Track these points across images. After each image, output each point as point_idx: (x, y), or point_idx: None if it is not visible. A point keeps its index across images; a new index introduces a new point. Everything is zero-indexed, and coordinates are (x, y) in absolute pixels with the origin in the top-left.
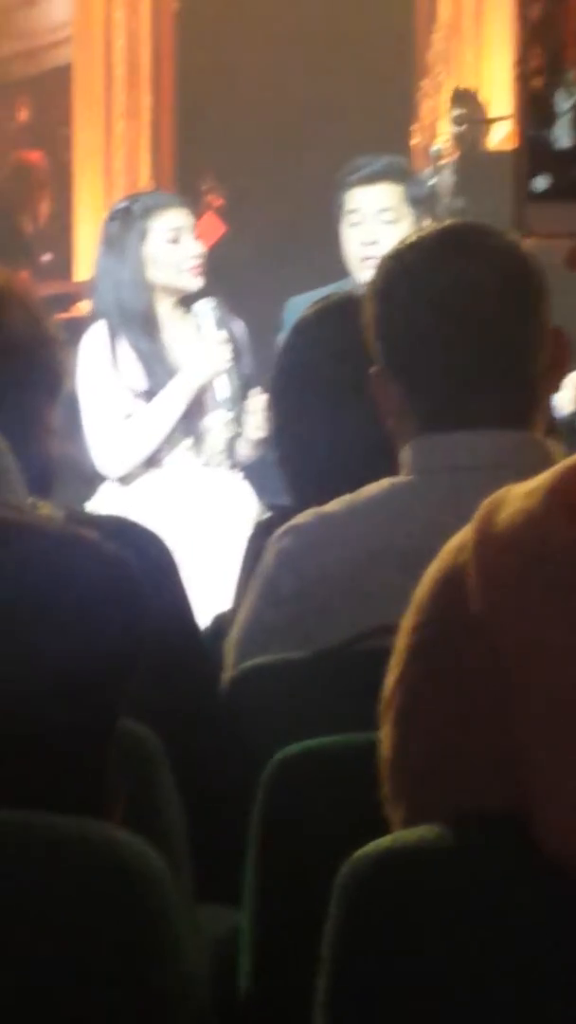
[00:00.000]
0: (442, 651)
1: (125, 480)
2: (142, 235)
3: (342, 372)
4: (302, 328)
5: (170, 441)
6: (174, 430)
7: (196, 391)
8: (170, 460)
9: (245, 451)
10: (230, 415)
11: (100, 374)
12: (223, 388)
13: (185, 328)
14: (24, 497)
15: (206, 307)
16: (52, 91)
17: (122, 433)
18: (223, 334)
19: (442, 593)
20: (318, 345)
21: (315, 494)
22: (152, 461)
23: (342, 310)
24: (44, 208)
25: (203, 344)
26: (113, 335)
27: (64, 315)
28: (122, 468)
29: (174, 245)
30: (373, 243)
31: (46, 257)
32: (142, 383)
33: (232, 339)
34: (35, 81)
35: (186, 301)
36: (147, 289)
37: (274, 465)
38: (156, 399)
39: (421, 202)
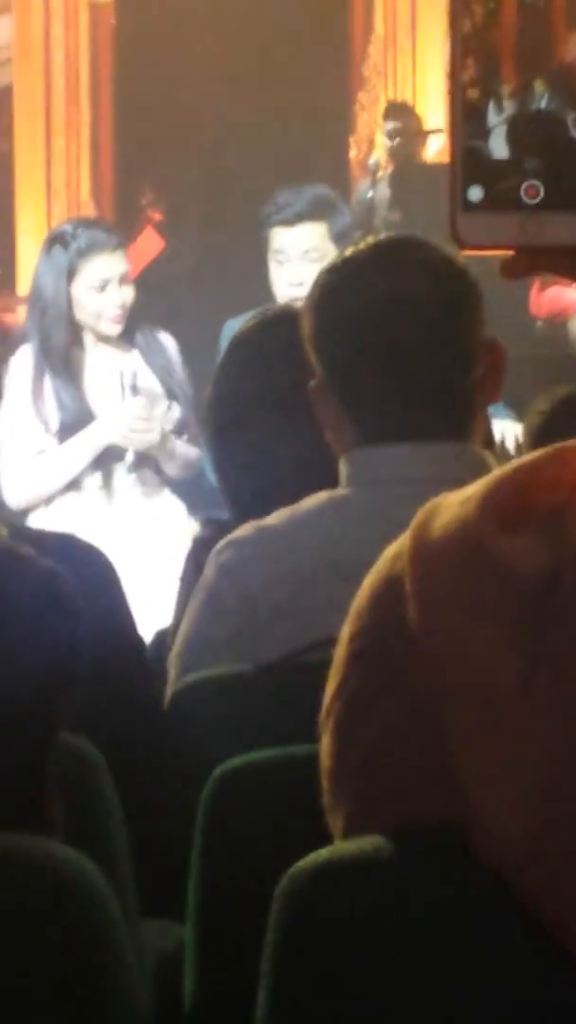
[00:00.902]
0: (379, 660)
1: (49, 502)
2: (71, 274)
3: (279, 385)
4: (240, 341)
5: (76, 486)
6: (81, 475)
7: (103, 447)
8: (89, 484)
9: (173, 472)
10: (132, 476)
11: (18, 403)
12: (130, 453)
13: (104, 369)
14: None
15: (126, 369)
16: None
17: (27, 470)
18: (139, 401)
19: (379, 602)
20: (255, 358)
21: (254, 507)
22: (72, 484)
23: (278, 323)
24: None
25: (119, 408)
26: (37, 363)
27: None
28: (19, 503)
29: (99, 293)
30: (299, 284)
31: None
32: (57, 419)
33: (163, 359)
34: None
35: (109, 340)
36: (70, 324)
37: (212, 479)
38: (63, 447)
39: (344, 236)
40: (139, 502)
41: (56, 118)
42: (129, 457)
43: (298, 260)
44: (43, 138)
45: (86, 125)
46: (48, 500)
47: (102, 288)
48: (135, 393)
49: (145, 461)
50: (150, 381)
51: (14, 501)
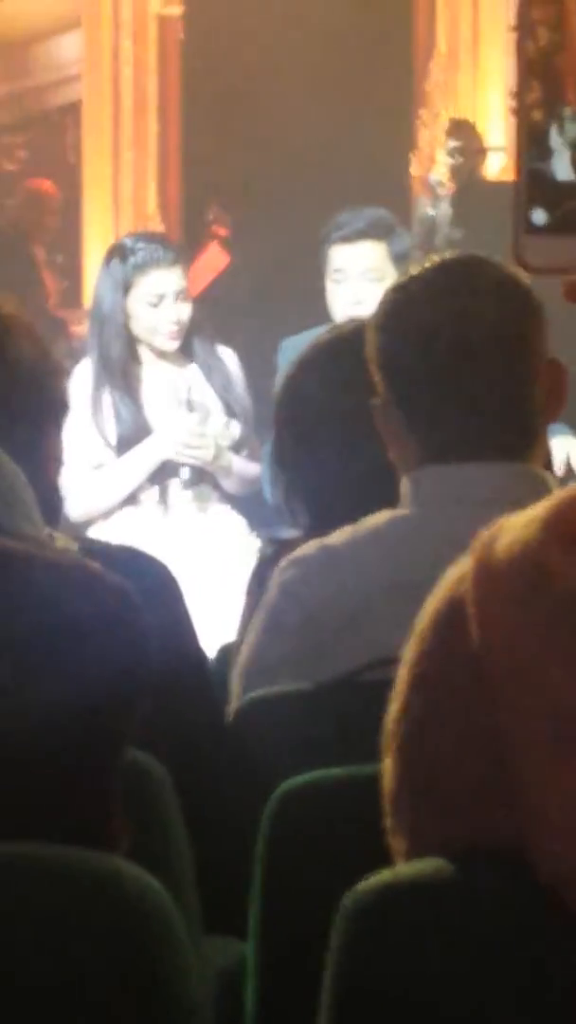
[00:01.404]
0: (442, 682)
1: (109, 516)
2: (127, 288)
3: (348, 402)
4: (310, 357)
5: (133, 500)
6: (139, 489)
7: (160, 462)
8: (147, 498)
9: (231, 488)
10: (188, 492)
11: (78, 416)
12: (185, 470)
13: (162, 383)
14: (41, 526)
15: (183, 385)
16: (65, 124)
17: (86, 484)
18: (195, 417)
19: (442, 623)
20: (325, 375)
21: (321, 523)
22: (131, 499)
23: (350, 340)
24: (54, 236)
25: (177, 422)
26: (96, 376)
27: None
28: (80, 516)
29: (154, 308)
30: (358, 303)
31: (57, 284)
32: (115, 433)
33: (223, 377)
34: (47, 115)
35: (167, 355)
36: (127, 339)
37: (276, 495)
38: (121, 462)
39: (403, 257)
40: (196, 517)
41: (124, 132)
42: (185, 473)
43: (357, 279)
44: (111, 152)
45: (153, 139)
46: (106, 514)
47: (157, 303)
48: (190, 408)
49: (202, 476)
50: (207, 397)
51: (73, 514)
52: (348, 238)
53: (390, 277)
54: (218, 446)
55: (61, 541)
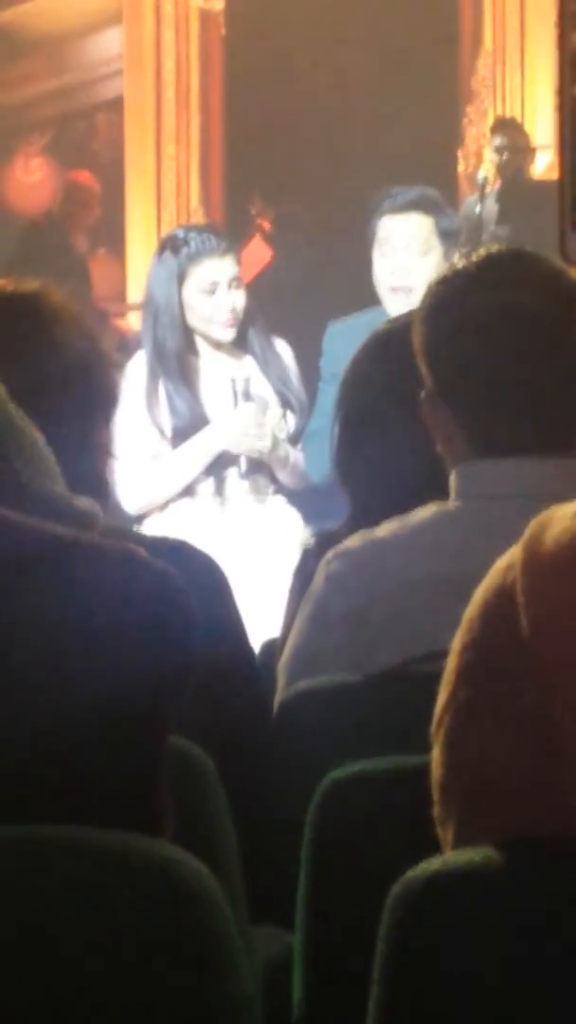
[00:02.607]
0: (491, 671)
1: (163, 508)
2: (181, 279)
3: (408, 392)
4: (373, 346)
5: (190, 492)
6: (199, 475)
7: (216, 455)
8: (203, 490)
9: (287, 480)
10: (246, 482)
11: (134, 408)
12: (243, 461)
13: (218, 375)
14: (63, 488)
15: (238, 375)
16: (107, 118)
17: (144, 475)
18: (250, 406)
19: (491, 613)
20: (386, 364)
21: (370, 514)
22: (187, 491)
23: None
24: (97, 230)
25: (231, 413)
26: (151, 368)
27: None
28: (138, 507)
29: (209, 296)
30: (404, 274)
31: (100, 277)
32: (170, 425)
33: (267, 375)
34: (90, 110)
35: (223, 346)
36: (183, 330)
37: (337, 483)
38: (178, 452)
39: (451, 235)
40: (252, 509)
41: (166, 126)
42: (242, 464)
43: (403, 250)
44: (153, 147)
45: (196, 133)
46: (163, 506)
47: (212, 291)
48: (247, 399)
49: (258, 468)
50: (264, 389)
51: (130, 506)
52: (398, 208)
53: (436, 252)
54: (275, 437)
55: (83, 504)
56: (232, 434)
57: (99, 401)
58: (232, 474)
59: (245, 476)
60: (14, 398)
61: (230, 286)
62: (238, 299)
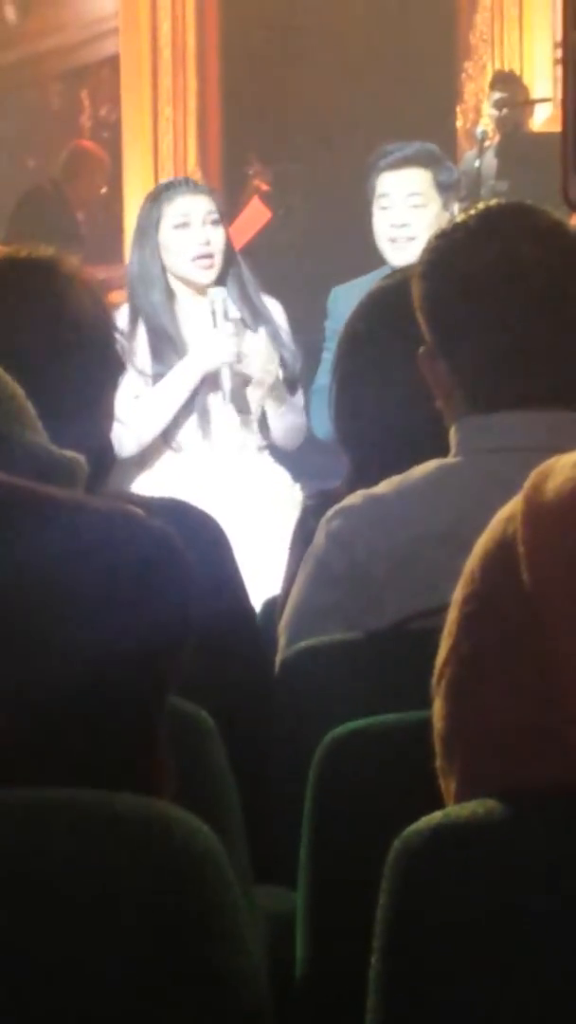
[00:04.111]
0: (492, 622)
1: (153, 472)
2: (157, 221)
3: (407, 348)
4: (370, 302)
5: (183, 427)
6: (184, 415)
7: (200, 378)
8: (191, 448)
9: (255, 398)
10: (230, 405)
11: None
12: (226, 378)
13: (202, 316)
14: (44, 439)
15: (217, 296)
16: (103, 80)
17: (129, 414)
18: (229, 325)
19: (492, 564)
20: (384, 320)
21: (378, 469)
22: (176, 448)
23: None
24: (96, 193)
25: (210, 332)
26: (134, 317)
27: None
28: (127, 448)
29: (183, 230)
30: (402, 226)
31: (98, 240)
32: (152, 366)
33: (247, 325)
34: (86, 70)
35: (205, 291)
36: (163, 274)
37: (337, 440)
38: (160, 383)
39: (449, 187)
40: (239, 467)
41: (163, 88)
42: (226, 387)
43: (402, 204)
44: (150, 108)
45: (193, 95)
46: (149, 462)
47: (185, 225)
48: (226, 319)
49: (246, 423)
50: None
51: (120, 448)
52: (394, 164)
53: (434, 204)
54: (266, 365)
55: (69, 454)
56: (216, 353)
57: (108, 368)
58: (219, 419)
59: (230, 400)
60: (25, 363)
61: (204, 221)
62: (214, 235)
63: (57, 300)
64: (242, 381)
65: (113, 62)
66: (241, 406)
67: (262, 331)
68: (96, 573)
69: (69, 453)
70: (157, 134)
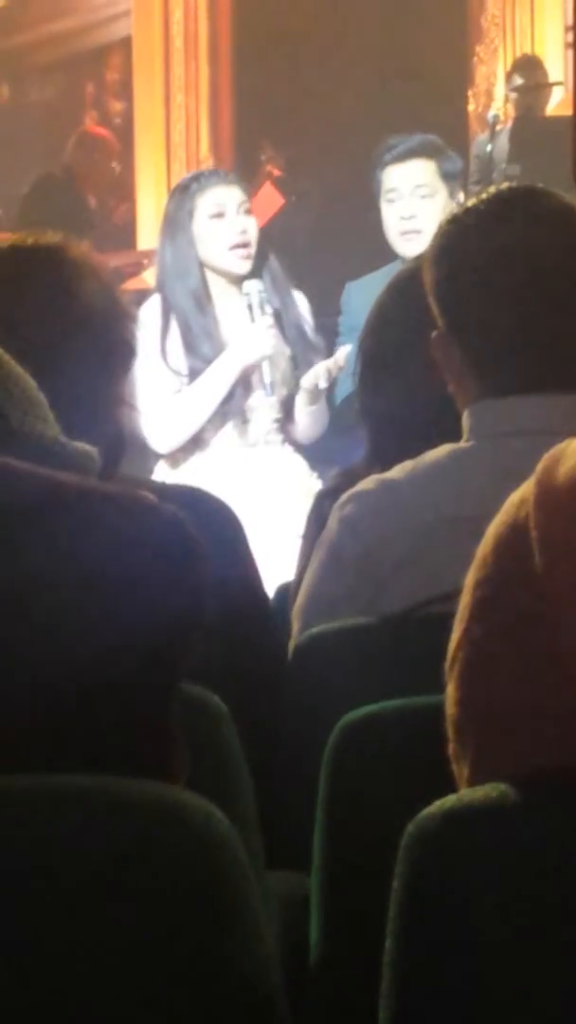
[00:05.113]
0: (505, 606)
1: (174, 462)
2: (191, 212)
3: (427, 333)
4: (394, 287)
5: (214, 422)
6: (218, 411)
7: (239, 373)
8: (216, 440)
9: (304, 422)
10: (273, 398)
11: (151, 349)
12: (267, 372)
13: (236, 309)
14: (56, 431)
15: (253, 288)
16: (113, 64)
17: (169, 409)
18: (268, 319)
19: (504, 548)
20: (406, 304)
21: (396, 453)
22: (199, 442)
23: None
24: (107, 179)
25: (249, 327)
26: (166, 311)
27: (130, 286)
28: (168, 444)
29: (218, 220)
30: (411, 217)
31: (110, 228)
32: (189, 361)
33: (281, 319)
34: (96, 54)
35: (238, 282)
36: (198, 266)
37: (360, 424)
38: (201, 378)
39: (454, 176)
40: (260, 455)
41: (175, 75)
42: (266, 378)
43: (409, 196)
44: (162, 95)
45: (205, 81)
46: (174, 458)
47: (220, 215)
48: (263, 312)
49: (275, 415)
50: (281, 343)
51: (160, 445)
52: (399, 157)
53: (441, 194)
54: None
55: (80, 446)
56: (255, 346)
57: (118, 354)
58: (231, 427)
59: (272, 393)
60: (33, 349)
61: (238, 211)
62: (248, 224)
63: (65, 286)
64: (281, 375)
65: (125, 47)
66: (283, 399)
67: (267, 319)
68: (109, 558)
69: (80, 446)
70: (169, 121)
